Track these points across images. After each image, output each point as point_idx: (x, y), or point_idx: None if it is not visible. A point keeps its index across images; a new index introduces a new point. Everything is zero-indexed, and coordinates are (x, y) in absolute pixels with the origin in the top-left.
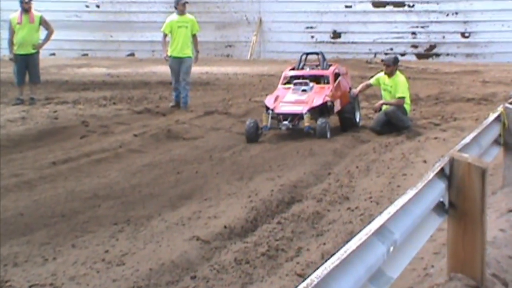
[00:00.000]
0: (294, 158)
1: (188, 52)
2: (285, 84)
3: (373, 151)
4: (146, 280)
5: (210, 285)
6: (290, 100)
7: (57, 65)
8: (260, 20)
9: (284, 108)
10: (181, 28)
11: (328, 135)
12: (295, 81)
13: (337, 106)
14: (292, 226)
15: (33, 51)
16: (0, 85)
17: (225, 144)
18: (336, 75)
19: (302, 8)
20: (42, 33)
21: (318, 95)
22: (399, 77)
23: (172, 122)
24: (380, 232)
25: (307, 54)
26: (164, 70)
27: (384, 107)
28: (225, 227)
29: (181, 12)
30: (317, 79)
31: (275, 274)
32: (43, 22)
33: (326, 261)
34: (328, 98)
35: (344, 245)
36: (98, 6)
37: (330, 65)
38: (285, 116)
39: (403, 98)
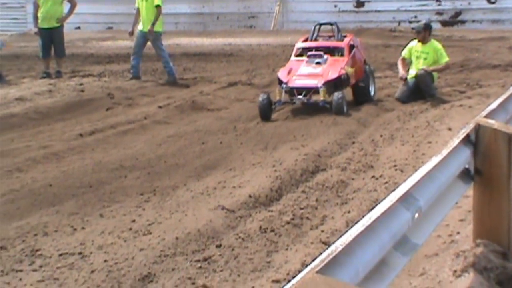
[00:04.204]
0: (318, 128)
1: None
2: (298, 56)
3: (397, 119)
4: (172, 249)
5: (235, 253)
6: (304, 73)
7: (82, 38)
8: None
9: (298, 81)
10: (143, 1)
11: (345, 109)
12: (309, 53)
13: (352, 80)
14: (317, 195)
15: (57, 24)
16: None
17: (249, 114)
18: (351, 47)
19: None
20: (66, 7)
21: (333, 68)
22: (435, 43)
23: (196, 93)
24: (405, 199)
25: (321, 24)
26: (187, 42)
27: (409, 76)
28: (249, 196)
29: None
30: (331, 51)
31: (300, 242)
32: None
33: (350, 228)
34: (343, 71)
35: (368, 212)
36: None
37: (344, 36)
38: (299, 90)
39: (448, 62)
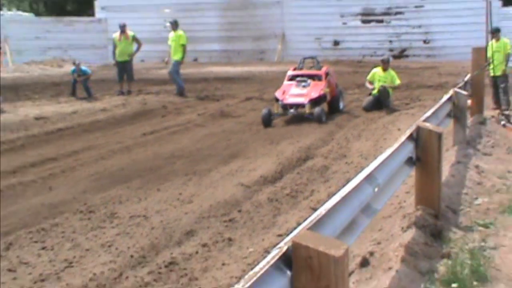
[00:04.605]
0: (307, 130)
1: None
2: (289, 80)
3: (363, 123)
4: (207, 212)
5: (251, 216)
6: (294, 93)
7: (145, 67)
8: (283, 34)
9: (290, 99)
10: (176, 43)
11: (324, 119)
12: (297, 78)
13: (328, 97)
14: (307, 175)
15: (128, 58)
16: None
17: (260, 120)
18: (327, 74)
19: (312, 25)
20: (135, 46)
21: (314, 89)
22: (391, 71)
23: (223, 105)
24: (368, 178)
25: (305, 58)
26: (217, 69)
27: (373, 91)
28: (260, 176)
29: (174, 28)
30: (312, 77)
31: (296, 208)
32: (134, 39)
33: (330, 198)
34: (322, 92)
35: (343, 187)
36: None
37: (321, 66)
38: (291, 105)
39: (399, 83)
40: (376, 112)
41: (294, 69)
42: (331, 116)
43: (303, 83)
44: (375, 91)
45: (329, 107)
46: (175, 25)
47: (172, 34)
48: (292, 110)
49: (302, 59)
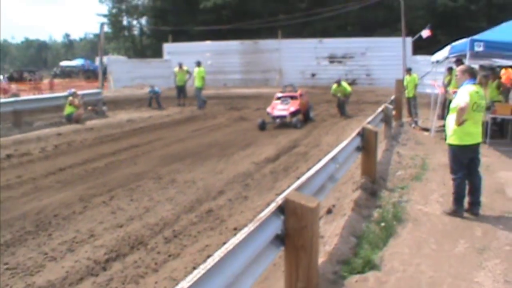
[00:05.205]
0: (294, 130)
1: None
2: (276, 100)
3: (329, 125)
4: (231, 179)
5: (259, 182)
6: (279, 108)
7: (193, 89)
8: (280, 69)
9: (276, 112)
10: (198, 76)
11: (299, 125)
12: (282, 98)
13: (302, 110)
14: (294, 157)
15: (183, 84)
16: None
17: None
18: (301, 95)
19: (298, 63)
20: (188, 75)
21: (293, 105)
22: (343, 84)
23: (242, 113)
24: (332, 158)
25: (286, 86)
26: (239, 91)
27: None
28: (265, 157)
29: (198, 66)
30: (291, 97)
31: (287, 177)
32: (187, 71)
33: (308, 171)
34: (298, 107)
35: (315, 164)
36: (210, 64)
37: (297, 90)
38: (277, 117)
39: (351, 91)
40: (337, 118)
41: (281, 92)
42: (309, 121)
43: (285, 101)
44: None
45: (304, 117)
46: (198, 64)
47: (196, 69)
48: (278, 120)
49: (284, 86)
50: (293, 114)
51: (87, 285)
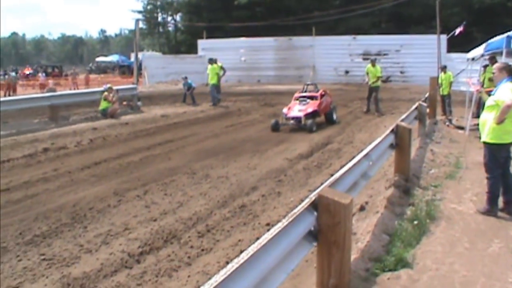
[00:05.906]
0: (329, 126)
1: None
2: (295, 100)
3: (363, 122)
4: (265, 175)
5: (292, 178)
6: (295, 109)
7: (228, 85)
8: (314, 65)
9: (291, 114)
10: (212, 72)
11: (314, 129)
12: (300, 98)
13: (321, 113)
14: (327, 154)
15: (215, 82)
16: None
17: None
18: (322, 95)
19: (332, 60)
20: (221, 72)
21: (311, 107)
22: (377, 66)
23: (276, 110)
24: (366, 155)
25: (308, 84)
26: (273, 87)
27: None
28: (299, 154)
29: (214, 63)
30: (311, 97)
31: (320, 174)
32: (221, 67)
33: (341, 168)
34: (316, 108)
35: (349, 162)
36: (244, 60)
37: (319, 89)
38: (292, 118)
39: (379, 75)
40: (371, 115)
41: (300, 92)
42: (344, 117)
43: (303, 102)
44: (370, 82)
45: (326, 119)
46: (212, 61)
47: (209, 66)
48: (292, 122)
49: (305, 84)
50: (310, 115)
51: (121, 277)
